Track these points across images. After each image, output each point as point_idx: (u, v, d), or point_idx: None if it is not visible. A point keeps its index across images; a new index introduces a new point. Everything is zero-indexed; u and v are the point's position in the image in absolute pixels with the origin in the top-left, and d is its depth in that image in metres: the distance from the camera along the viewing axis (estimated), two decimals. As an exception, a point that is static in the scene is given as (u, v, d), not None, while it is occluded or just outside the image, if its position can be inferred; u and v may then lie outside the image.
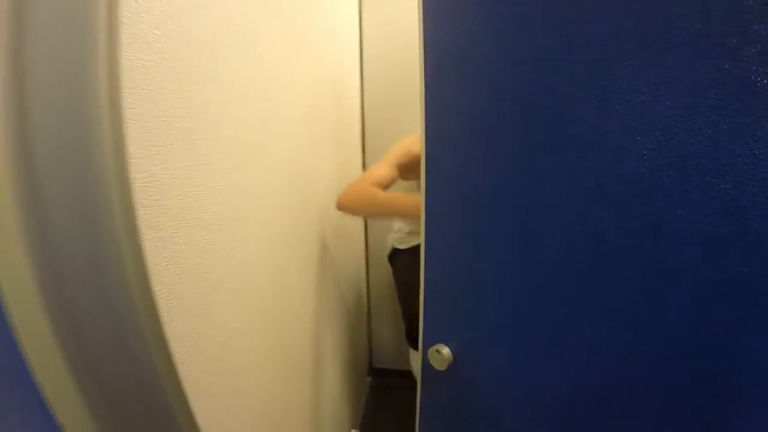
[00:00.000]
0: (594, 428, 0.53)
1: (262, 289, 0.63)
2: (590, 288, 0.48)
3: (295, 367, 0.80)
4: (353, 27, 1.38)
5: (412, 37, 1.37)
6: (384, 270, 1.46)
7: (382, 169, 1.00)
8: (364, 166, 1.52)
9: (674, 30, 0.37)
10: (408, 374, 1.28)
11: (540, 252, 0.51)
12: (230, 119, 0.51)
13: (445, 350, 0.63)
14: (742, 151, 0.35)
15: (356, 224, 1.46)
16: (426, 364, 0.66)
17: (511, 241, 0.53)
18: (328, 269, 1.07)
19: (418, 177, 1.17)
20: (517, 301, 0.55)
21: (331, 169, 1.06)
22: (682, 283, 0.42)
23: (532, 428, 0.59)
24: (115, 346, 0.31)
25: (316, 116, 0.94)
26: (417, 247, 1.25)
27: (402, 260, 1.28)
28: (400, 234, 1.31)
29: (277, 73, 0.67)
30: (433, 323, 0.64)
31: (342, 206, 0.97)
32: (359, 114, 1.47)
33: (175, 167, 0.40)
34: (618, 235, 0.44)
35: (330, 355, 1.10)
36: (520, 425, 0.60)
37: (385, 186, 0.96)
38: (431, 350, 0.64)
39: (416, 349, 1.11)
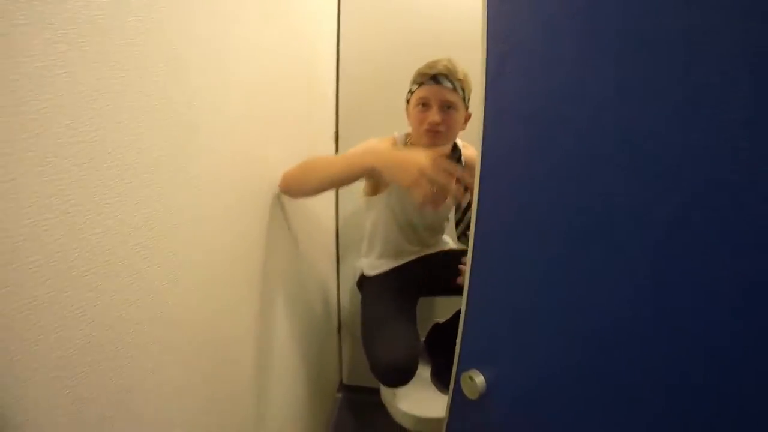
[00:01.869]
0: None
1: (192, 304, 0.53)
2: (653, 331, 0.43)
3: (237, 386, 0.69)
4: (331, 11, 1.29)
5: (392, 26, 1.30)
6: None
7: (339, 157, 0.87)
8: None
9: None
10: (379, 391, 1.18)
11: (595, 281, 0.46)
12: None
13: (479, 378, 0.57)
14: None
15: (327, 231, 1.36)
16: (457, 390, 0.60)
17: (567, 265, 0.48)
18: (294, 280, 0.96)
19: (378, 184, 1.07)
20: (561, 335, 0.50)
21: (292, 158, 0.91)
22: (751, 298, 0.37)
23: None
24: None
25: (279, 97, 0.82)
26: (387, 273, 1.14)
27: (370, 290, 1.13)
28: (370, 259, 1.19)
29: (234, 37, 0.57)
30: (470, 347, 0.58)
31: (284, 182, 0.80)
32: (333, 104, 1.36)
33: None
34: (688, 269, 0.40)
35: (297, 371, 0.99)
36: None
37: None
38: (464, 376, 0.57)
39: (388, 386, 0.98)
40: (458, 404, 0.61)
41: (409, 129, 1.03)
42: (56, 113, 0.31)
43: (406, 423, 1.03)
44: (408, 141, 1.04)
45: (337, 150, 1.39)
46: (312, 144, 1.10)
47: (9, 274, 0.28)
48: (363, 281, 1.19)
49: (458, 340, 0.58)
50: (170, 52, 0.45)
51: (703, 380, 0.40)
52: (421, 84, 0.94)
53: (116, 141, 0.37)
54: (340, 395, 1.56)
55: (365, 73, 1.34)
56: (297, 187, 0.80)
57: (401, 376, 0.88)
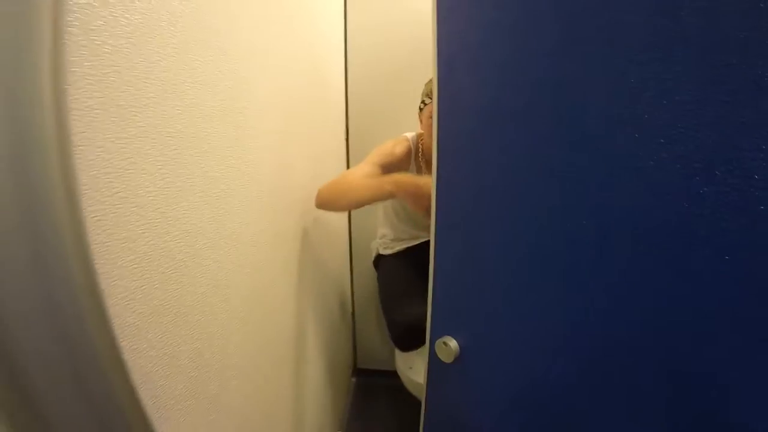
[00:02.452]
0: (598, 423, 0.54)
1: (241, 289, 0.62)
2: (598, 284, 0.50)
3: (275, 368, 0.79)
4: (338, 18, 1.38)
5: (399, 32, 1.38)
6: (369, 269, 1.46)
7: (365, 166, 1.00)
8: (348, 164, 1.52)
9: (682, 24, 0.39)
10: (394, 374, 1.29)
11: (548, 247, 0.53)
12: (202, 112, 0.49)
13: (453, 342, 0.64)
14: (750, 146, 0.38)
15: (340, 221, 1.46)
16: (432, 356, 0.67)
17: (521, 236, 0.54)
18: (310, 267, 1.06)
19: None
20: (523, 296, 0.56)
21: (311, 163, 1.05)
22: (697, 283, 0.43)
23: (535, 421, 0.60)
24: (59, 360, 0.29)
25: (296, 107, 0.92)
26: (402, 252, 1.27)
27: (386, 265, 1.29)
28: (385, 240, 1.32)
29: (255, 60, 0.66)
30: (440, 315, 0.64)
31: (320, 200, 0.96)
32: (343, 109, 1.46)
33: (145, 162, 0.39)
34: (629, 231, 0.46)
35: (312, 356, 1.09)
36: (523, 418, 0.61)
37: None
38: (438, 342, 0.65)
39: (403, 350, 1.12)
40: (435, 369, 0.68)
41: (419, 129, 1.16)
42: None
43: (418, 393, 1.12)
44: (420, 141, 1.15)
45: (348, 150, 1.49)
46: (327, 148, 1.23)
47: (115, 270, 0.36)
48: (379, 260, 1.35)
49: (429, 309, 0.65)
50: (234, 73, 0.55)
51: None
52: None
53: (193, 158, 0.47)
54: (354, 379, 1.65)
55: (371, 79, 1.43)
56: (330, 207, 0.97)
57: (415, 337, 1.03)
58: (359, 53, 1.42)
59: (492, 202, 0.55)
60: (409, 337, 1.06)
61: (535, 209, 0.52)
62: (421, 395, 1.11)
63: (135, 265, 0.38)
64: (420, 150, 1.13)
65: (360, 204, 0.95)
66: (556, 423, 0.59)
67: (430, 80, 1.07)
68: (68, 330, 0.29)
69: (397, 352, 1.26)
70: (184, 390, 0.46)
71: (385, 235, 1.32)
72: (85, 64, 0.32)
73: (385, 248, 1.32)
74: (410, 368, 1.20)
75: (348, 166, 1.51)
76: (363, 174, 0.97)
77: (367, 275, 1.56)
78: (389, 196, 0.88)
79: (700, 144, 0.40)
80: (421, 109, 1.11)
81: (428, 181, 0.78)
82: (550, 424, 0.59)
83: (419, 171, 1.14)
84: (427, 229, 1.27)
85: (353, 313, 1.63)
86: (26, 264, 0.27)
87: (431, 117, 1.04)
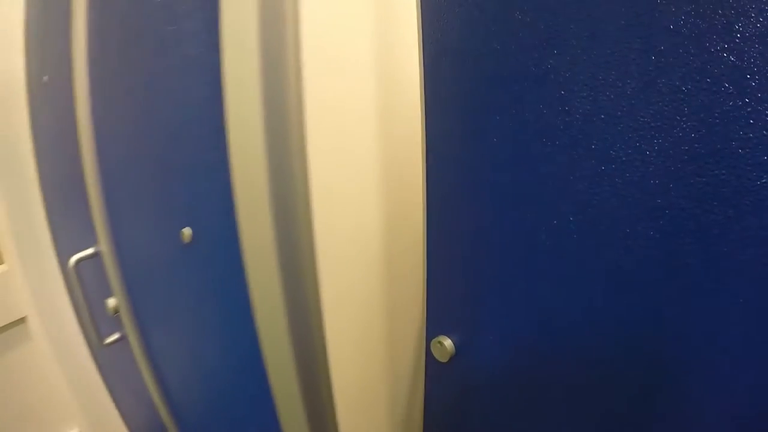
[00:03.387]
0: (593, 422, 0.52)
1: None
2: (591, 281, 0.48)
3: None
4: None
5: None
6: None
7: None
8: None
9: (666, 12, 0.37)
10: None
11: (537, 243, 0.51)
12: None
13: (447, 342, 0.63)
14: (737, 135, 0.35)
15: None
16: (429, 356, 0.67)
17: (513, 232, 0.53)
18: None
19: None
20: (517, 293, 0.55)
21: None
22: (681, 275, 0.41)
23: (532, 418, 0.59)
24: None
25: None
26: None
27: None
28: None
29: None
30: (435, 315, 0.64)
31: None
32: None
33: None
34: (619, 226, 0.44)
35: None
36: (521, 414, 0.60)
37: None
38: (434, 342, 0.64)
39: None
40: (432, 368, 0.68)
41: None
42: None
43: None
44: None
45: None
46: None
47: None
48: None
49: (424, 309, 0.64)
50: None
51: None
52: None
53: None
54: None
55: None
56: None
57: None
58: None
59: (483, 198, 0.55)
60: None
61: (523, 204, 0.51)
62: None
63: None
64: None
65: None
66: (556, 419, 0.57)
67: None
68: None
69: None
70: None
71: None
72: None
73: None
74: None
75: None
76: None
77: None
78: None
79: (687, 135, 0.38)
80: None
81: None
82: (550, 420, 0.57)
83: None
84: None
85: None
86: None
87: None
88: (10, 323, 1.51)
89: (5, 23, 1.32)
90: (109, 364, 1.44)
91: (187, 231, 0.66)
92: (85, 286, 1.08)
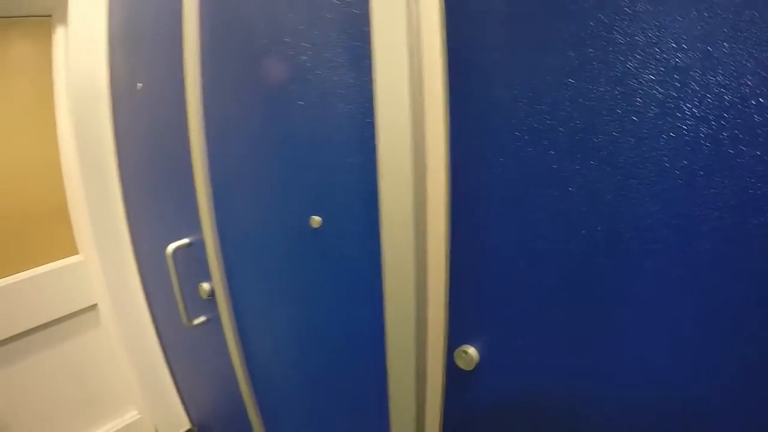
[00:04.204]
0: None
1: None
2: (615, 288, 0.51)
3: None
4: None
5: None
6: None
7: None
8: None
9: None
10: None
11: (557, 249, 0.54)
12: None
13: (472, 350, 0.65)
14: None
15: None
16: (451, 365, 0.70)
17: (535, 238, 0.57)
18: None
19: None
20: (542, 301, 0.58)
21: None
22: (701, 279, 0.45)
23: (560, 427, 0.61)
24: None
25: None
26: None
27: None
28: None
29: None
30: (459, 322, 0.68)
31: None
32: None
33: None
34: (642, 234, 0.48)
35: None
36: (546, 424, 0.63)
37: None
38: (458, 351, 0.66)
39: None
40: (454, 378, 0.71)
41: None
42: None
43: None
44: None
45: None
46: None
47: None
48: None
49: (446, 318, 0.68)
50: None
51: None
52: None
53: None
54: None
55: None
56: None
57: None
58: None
59: (504, 205, 0.58)
60: None
61: (552, 212, 0.54)
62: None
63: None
64: None
65: None
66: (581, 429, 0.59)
67: None
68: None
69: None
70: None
71: None
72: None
73: None
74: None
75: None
76: None
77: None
78: None
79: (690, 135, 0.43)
80: None
81: None
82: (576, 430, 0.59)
83: None
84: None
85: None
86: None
87: None
88: (81, 309, 1.63)
89: (88, 35, 1.45)
90: (183, 349, 1.54)
91: (317, 218, 0.78)
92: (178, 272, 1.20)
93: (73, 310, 1.62)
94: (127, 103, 1.38)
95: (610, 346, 0.53)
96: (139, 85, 1.31)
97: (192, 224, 1.12)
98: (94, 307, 1.67)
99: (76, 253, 1.65)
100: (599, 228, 0.50)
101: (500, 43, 0.54)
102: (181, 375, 1.66)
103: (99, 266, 1.58)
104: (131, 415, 1.79)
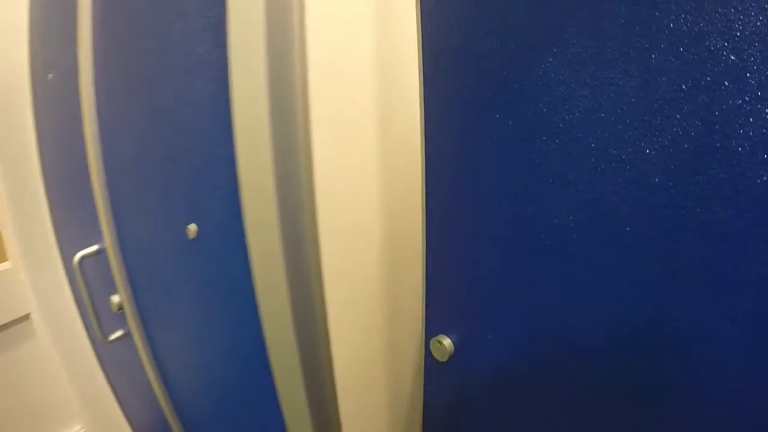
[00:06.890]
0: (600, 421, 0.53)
1: None
2: (585, 278, 0.49)
3: None
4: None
5: None
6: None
7: None
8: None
9: (667, 11, 0.37)
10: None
11: (537, 243, 0.52)
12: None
13: (447, 341, 0.64)
14: (737, 134, 0.35)
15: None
16: (428, 355, 0.67)
17: (510, 231, 0.54)
18: None
19: None
20: (517, 293, 0.55)
21: None
22: (681, 274, 0.42)
23: (531, 416, 0.59)
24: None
25: None
26: None
27: None
28: None
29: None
30: (434, 314, 0.65)
31: None
32: None
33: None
34: (617, 226, 0.45)
35: None
36: (519, 412, 0.61)
37: None
38: (433, 341, 0.65)
39: None
40: (430, 368, 0.68)
41: None
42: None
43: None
44: None
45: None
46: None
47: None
48: None
49: (422, 309, 0.65)
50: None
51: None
52: None
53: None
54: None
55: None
56: None
57: None
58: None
59: (483, 197, 0.55)
60: None
61: (523, 203, 0.52)
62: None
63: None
64: None
65: None
66: (554, 418, 0.57)
67: None
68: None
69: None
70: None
71: None
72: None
73: None
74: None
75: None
76: None
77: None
78: None
79: (686, 133, 0.38)
80: None
81: None
82: (548, 419, 0.58)
83: None
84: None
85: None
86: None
87: None
88: (13, 320, 1.53)
89: (9, 20, 1.33)
90: (113, 361, 1.45)
91: (192, 227, 0.67)
92: (89, 283, 1.09)
93: (5, 321, 1.51)
94: (41, 96, 1.26)
95: (580, 329, 0.51)
96: (50, 75, 1.20)
97: (97, 230, 1.01)
98: (27, 317, 1.56)
99: (6, 260, 1.54)
100: (571, 217, 0.48)
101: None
102: (119, 388, 1.56)
103: (28, 274, 1.47)
104: (75, 430, 1.69)
